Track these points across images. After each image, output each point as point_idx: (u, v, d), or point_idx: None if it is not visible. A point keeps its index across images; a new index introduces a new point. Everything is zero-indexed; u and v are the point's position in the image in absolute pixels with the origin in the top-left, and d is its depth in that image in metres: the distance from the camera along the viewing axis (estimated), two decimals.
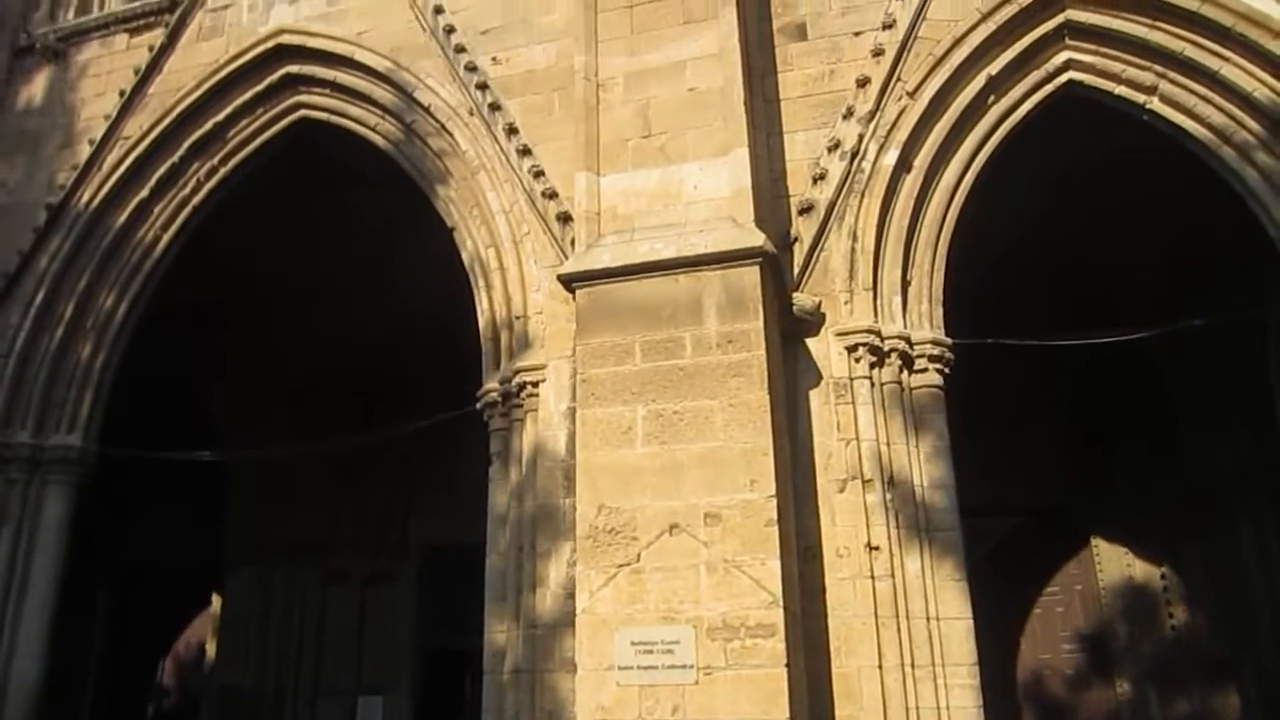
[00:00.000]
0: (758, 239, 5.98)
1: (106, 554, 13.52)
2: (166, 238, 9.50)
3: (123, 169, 9.39)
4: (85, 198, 9.45)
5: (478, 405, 7.55)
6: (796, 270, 6.83)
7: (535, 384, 7.04)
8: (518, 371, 7.15)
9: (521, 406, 7.10)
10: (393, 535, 14.32)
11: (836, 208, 6.93)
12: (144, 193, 9.41)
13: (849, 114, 7.13)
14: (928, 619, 6.25)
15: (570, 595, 6.13)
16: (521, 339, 7.25)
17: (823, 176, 7.00)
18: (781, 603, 5.27)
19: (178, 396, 12.91)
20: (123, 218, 9.43)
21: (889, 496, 6.39)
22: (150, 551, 14.40)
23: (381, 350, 12.89)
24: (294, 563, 14.04)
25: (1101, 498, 12.09)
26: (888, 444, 6.53)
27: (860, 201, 6.95)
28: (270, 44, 9.11)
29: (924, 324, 6.98)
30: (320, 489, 13.64)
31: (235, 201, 9.64)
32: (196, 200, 9.45)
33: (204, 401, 13.60)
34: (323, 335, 12.68)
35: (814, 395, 6.59)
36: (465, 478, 9.56)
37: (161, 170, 9.39)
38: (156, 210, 9.49)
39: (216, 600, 14.78)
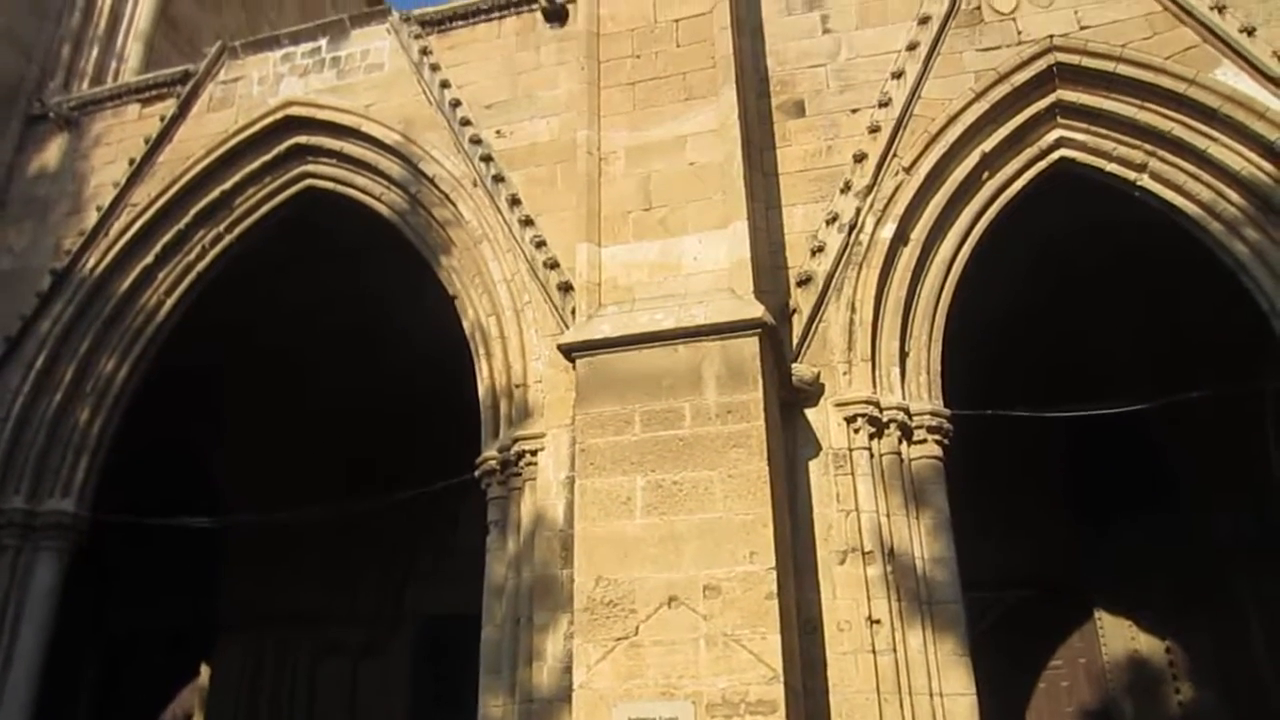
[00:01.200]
0: (756, 310, 6.03)
1: (94, 621, 13.28)
2: (170, 303, 9.55)
3: (129, 235, 9.49)
4: (90, 263, 9.53)
5: (476, 474, 7.52)
6: (795, 341, 6.88)
7: (534, 453, 7.02)
8: (517, 440, 7.14)
9: (520, 475, 7.07)
10: (389, 605, 14.07)
11: (835, 279, 7.02)
12: (149, 259, 9.49)
13: (846, 188, 7.27)
14: (931, 695, 6.13)
15: (568, 669, 6.01)
16: (521, 407, 7.26)
17: (821, 249, 7.11)
18: (782, 678, 5.17)
19: (175, 458, 12.84)
20: (126, 283, 9.49)
21: (889, 569, 6.33)
22: (139, 618, 14.13)
23: (382, 415, 12.87)
24: (287, 632, 13.77)
25: (1104, 569, 11.95)
26: (888, 516, 6.49)
27: (858, 273, 7.05)
28: (279, 115, 9.32)
29: (922, 395, 7.00)
30: (316, 556, 13.45)
31: (239, 266, 9.75)
32: (201, 267, 9.54)
33: (202, 464, 13.51)
34: (324, 399, 12.69)
35: (813, 466, 6.58)
36: (464, 547, 9.45)
37: (167, 237, 9.49)
38: (160, 276, 9.56)
39: (205, 671, 14.44)
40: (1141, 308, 10.59)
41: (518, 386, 7.36)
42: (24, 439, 9.12)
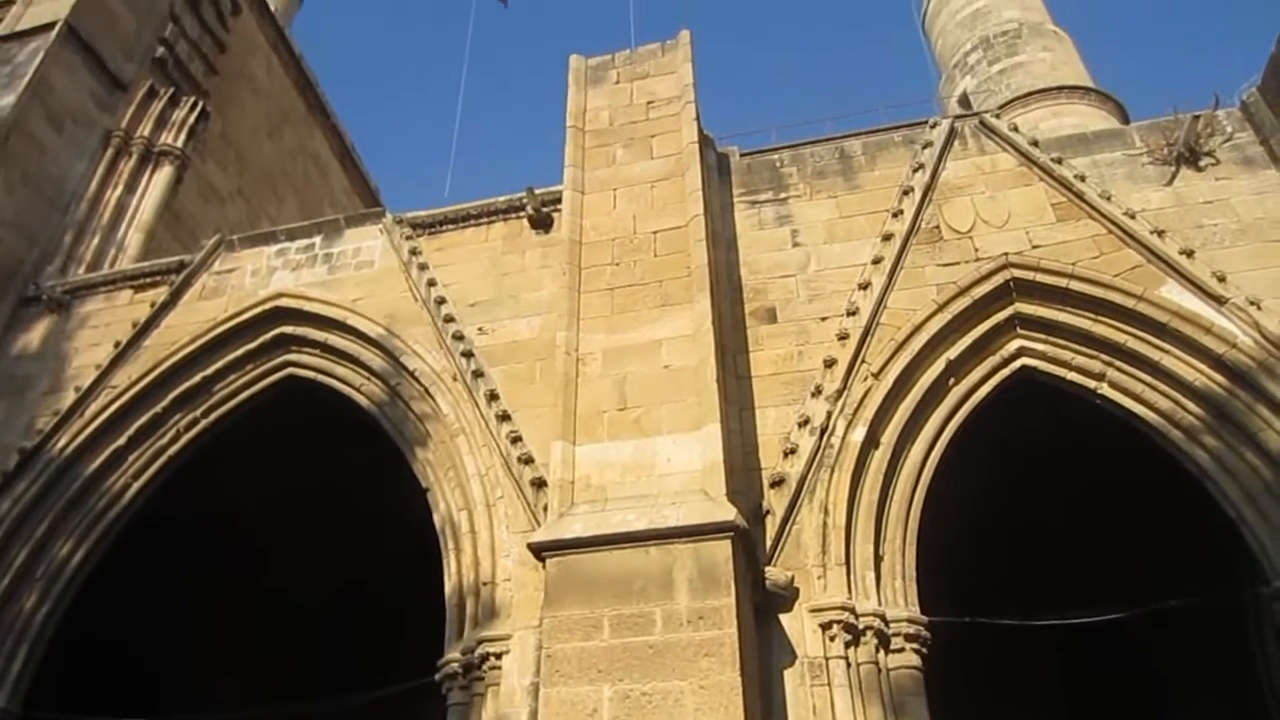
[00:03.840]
0: (729, 513, 6.02)
1: None
2: (136, 486, 9.43)
3: (104, 417, 9.49)
4: (61, 443, 9.45)
5: (437, 676, 7.19)
6: (769, 543, 6.82)
7: (499, 656, 6.75)
8: (481, 641, 6.88)
9: (483, 680, 6.76)
10: None
11: (807, 482, 7.07)
12: (120, 441, 9.45)
13: (817, 392, 7.47)
14: None
15: None
16: (488, 607, 7.05)
17: (793, 451, 7.20)
18: None
19: (122, 651, 12.18)
20: (95, 464, 9.39)
21: None
22: None
23: (341, 614, 12.42)
24: None
25: None
26: None
27: (831, 476, 7.10)
28: (268, 305, 9.59)
29: (899, 601, 6.89)
30: None
31: (209, 452, 9.69)
32: (173, 450, 9.49)
33: (150, 659, 12.80)
34: (283, 595, 12.26)
35: (789, 676, 6.35)
36: None
37: (143, 420, 9.49)
38: (131, 458, 9.48)
39: None
40: (1117, 505, 10.64)
41: (485, 584, 7.18)
42: None
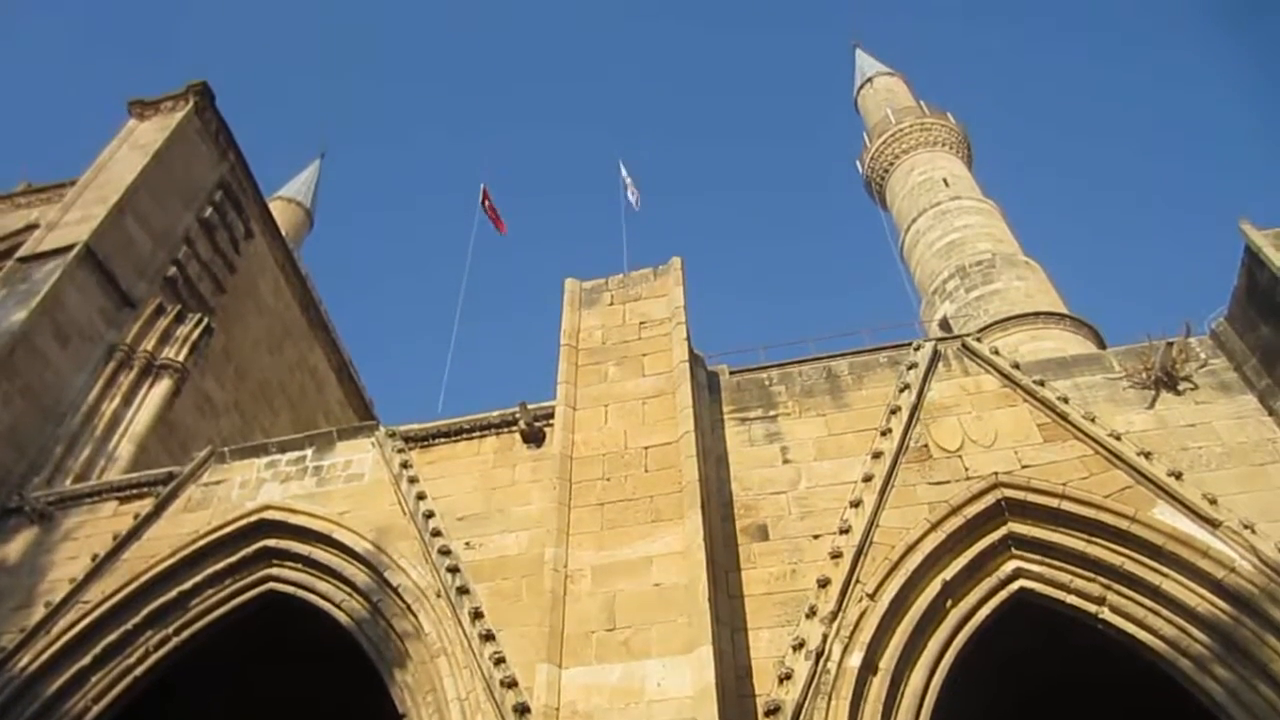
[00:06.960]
0: None
1: None
2: (96, 710, 8.91)
3: (72, 634, 9.10)
4: (23, 663, 8.99)
5: None
6: None
7: None
8: None
9: None
10: None
11: (804, 711, 6.70)
12: (85, 660, 9.01)
13: (812, 613, 7.24)
14: None
15: None
16: None
17: (788, 676, 6.88)
18: None
19: None
20: (55, 686, 8.92)
21: None
22: None
23: None
24: None
25: None
26: None
27: (828, 704, 6.76)
28: (253, 518, 9.44)
29: None
30: None
31: (181, 669, 9.21)
32: (139, 671, 9.03)
33: None
34: None
35: None
36: None
37: (112, 637, 9.10)
38: (94, 679, 9.01)
39: None
40: None
41: None
42: None
